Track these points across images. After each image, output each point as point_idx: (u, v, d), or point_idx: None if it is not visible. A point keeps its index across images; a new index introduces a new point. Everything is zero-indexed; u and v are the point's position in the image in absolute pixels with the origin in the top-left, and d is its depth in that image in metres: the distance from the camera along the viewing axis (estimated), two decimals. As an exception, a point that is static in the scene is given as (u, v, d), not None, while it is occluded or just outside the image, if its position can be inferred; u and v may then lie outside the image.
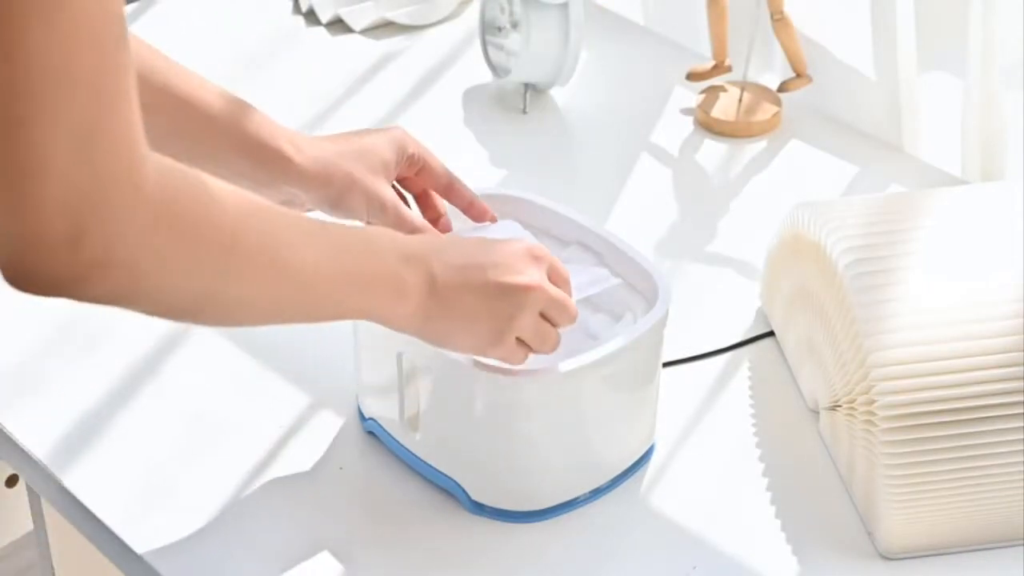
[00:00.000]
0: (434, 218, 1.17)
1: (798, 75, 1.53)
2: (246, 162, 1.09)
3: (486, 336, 1.02)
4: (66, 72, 0.73)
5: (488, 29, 1.58)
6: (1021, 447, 1.06)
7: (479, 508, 1.12)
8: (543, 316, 1.03)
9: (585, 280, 1.12)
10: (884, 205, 1.19)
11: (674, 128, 1.55)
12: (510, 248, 1.03)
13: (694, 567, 1.09)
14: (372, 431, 1.17)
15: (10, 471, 1.83)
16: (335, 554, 1.09)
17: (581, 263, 1.17)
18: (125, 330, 1.27)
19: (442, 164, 1.16)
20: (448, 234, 1.16)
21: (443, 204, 1.18)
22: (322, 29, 1.70)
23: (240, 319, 0.94)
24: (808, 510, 1.13)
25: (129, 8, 1.72)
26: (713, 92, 1.56)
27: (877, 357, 1.06)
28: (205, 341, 1.27)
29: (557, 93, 1.59)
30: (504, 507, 1.11)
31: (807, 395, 1.21)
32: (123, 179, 0.77)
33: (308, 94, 1.59)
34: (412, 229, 1.11)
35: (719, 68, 1.55)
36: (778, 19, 1.50)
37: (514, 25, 1.54)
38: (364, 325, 1.12)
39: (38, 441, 1.18)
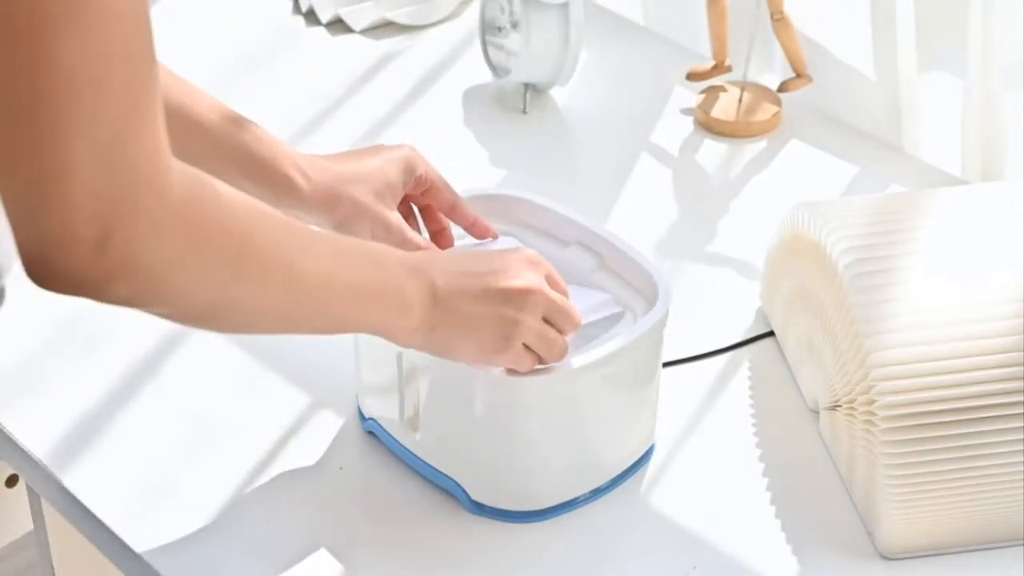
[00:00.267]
0: (437, 230, 1.19)
1: (798, 75, 1.53)
2: (250, 184, 1.09)
3: (491, 343, 1.02)
4: (97, 82, 0.75)
5: (488, 29, 1.58)
6: (1021, 447, 1.06)
7: (479, 508, 1.12)
8: (547, 322, 1.04)
9: (587, 306, 1.12)
10: (884, 205, 1.19)
11: (674, 128, 1.55)
12: (508, 255, 1.04)
13: (694, 567, 1.09)
14: (372, 431, 1.17)
15: (10, 471, 1.83)
16: (335, 554, 1.09)
17: (581, 262, 1.17)
18: (125, 330, 1.27)
19: (448, 185, 1.17)
20: (448, 249, 1.17)
21: (446, 219, 1.19)
22: (322, 29, 1.70)
23: (252, 327, 0.96)
24: (808, 510, 1.13)
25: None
26: (713, 92, 1.56)
27: (877, 357, 1.06)
28: (205, 341, 1.27)
29: (557, 93, 1.59)
30: (504, 507, 1.11)
31: (807, 395, 1.21)
32: (148, 186, 0.79)
33: (308, 94, 1.59)
34: (416, 250, 1.11)
35: (719, 68, 1.55)
36: (778, 19, 1.50)
37: (514, 25, 1.54)
38: (364, 325, 1.12)
39: (38, 441, 1.18)
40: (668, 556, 1.10)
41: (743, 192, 1.47)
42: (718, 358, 1.26)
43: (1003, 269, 1.10)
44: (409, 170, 1.15)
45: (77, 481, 1.15)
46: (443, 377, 1.08)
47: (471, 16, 1.71)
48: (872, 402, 1.06)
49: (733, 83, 1.56)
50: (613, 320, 1.14)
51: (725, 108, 1.54)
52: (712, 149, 1.52)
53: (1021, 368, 1.05)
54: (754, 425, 1.20)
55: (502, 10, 1.55)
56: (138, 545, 1.10)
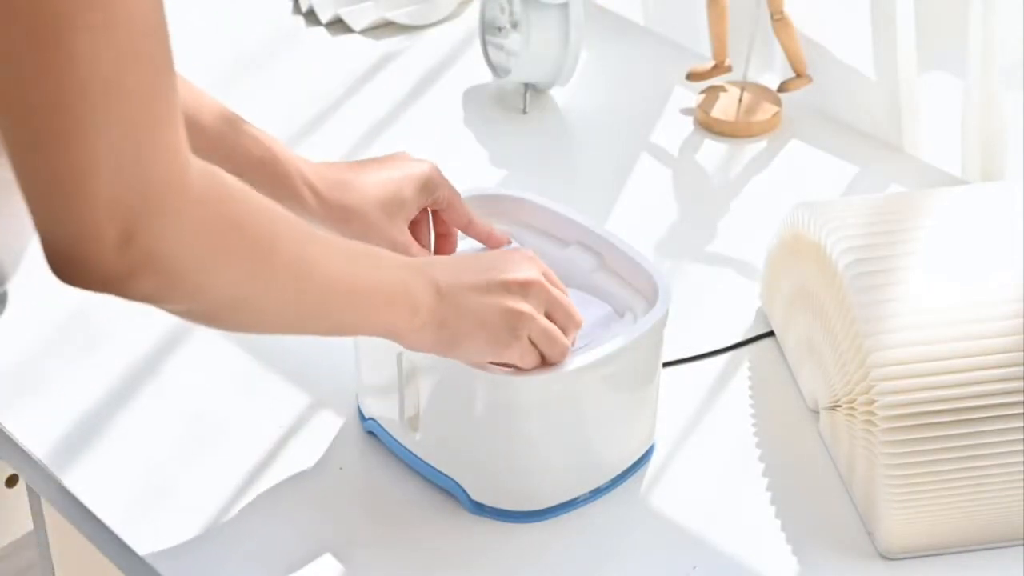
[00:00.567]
0: (444, 233, 1.19)
1: (798, 75, 1.53)
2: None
3: (497, 336, 1.02)
4: (119, 83, 0.77)
5: (488, 29, 1.58)
6: (1021, 447, 1.06)
7: (479, 508, 1.12)
8: (549, 318, 1.04)
9: (589, 321, 1.11)
10: (884, 205, 1.19)
11: (674, 128, 1.55)
12: (506, 253, 1.06)
13: (694, 567, 1.09)
14: (372, 431, 1.17)
15: (10, 471, 1.83)
16: (335, 554, 1.09)
17: (581, 262, 1.17)
18: (125, 330, 1.27)
19: (464, 204, 1.16)
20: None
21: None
22: (322, 29, 1.70)
23: (265, 325, 0.96)
24: (808, 510, 1.13)
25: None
26: (713, 92, 1.56)
27: (877, 357, 1.06)
28: (205, 341, 1.27)
29: (557, 93, 1.59)
30: (504, 507, 1.11)
31: (807, 395, 1.21)
32: (171, 183, 0.80)
33: (308, 94, 1.59)
34: None
35: (719, 68, 1.55)
36: (778, 19, 1.50)
37: (514, 25, 1.54)
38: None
39: (38, 441, 1.18)
40: (668, 556, 1.10)
41: (743, 192, 1.47)
42: (718, 358, 1.26)
43: (1003, 269, 1.10)
44: (427, 191, 1.14)
45: (77, 481, 1.15)
46: (443, 377, 1.08)
47: (471, 16, 1.71)
48: (872, 402, 1.06)
49: (733, 83, 1.56)
50: (612, 292, 1.14)
51: (725, 108, 1.54)
52: (712, 149, 1.52)
53: (1021, 368, 1.05)
54: (754, 425, 1.20)
55: (502, 10, 1.55)
56: (138, 545, 1.10)
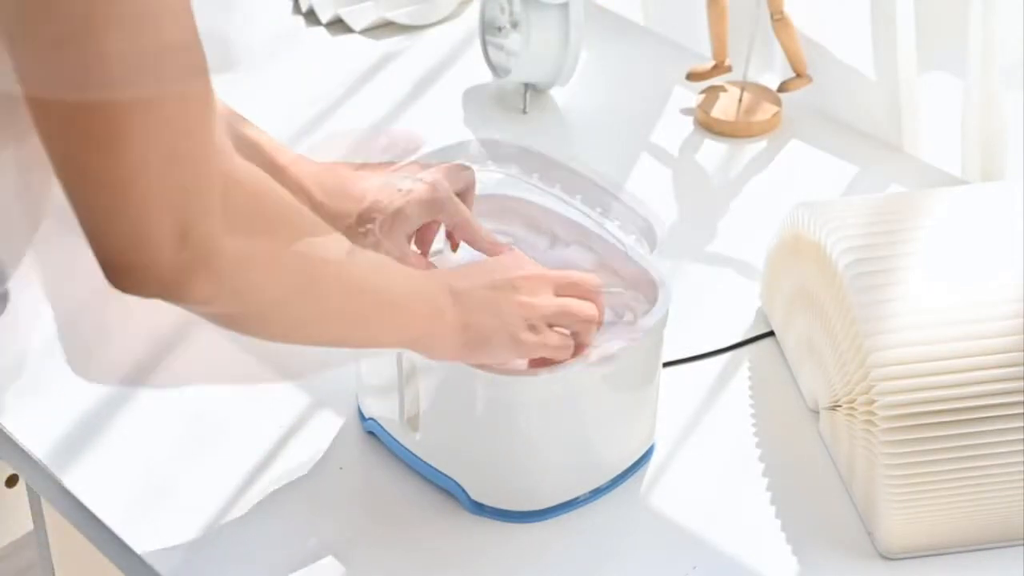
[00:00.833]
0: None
1: (798, 75, 1.53)
2: None
3: (516, 329, 1.03)
4: (158, 79, 0.77)
5: (488, 29, 1.58)
6: (1021, 447, 1.06)
7: (479, 508, 1.12)
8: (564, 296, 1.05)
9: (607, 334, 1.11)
10: (884, 205, 1.19)
11: (674, 128, 1.55)
12: (504, 256, 1.08)
13: (694, 567, 1.09)
14: (372, 431, 1.17)
15: (10, 471, 1.83)
16: (335, 554, 1.09)
17: (581, 262, 1.17)
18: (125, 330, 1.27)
19: (471, 222, 1.14)
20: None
21: None
22: (322, 29, 1.70)
23: (306, 335, 0.97)
24: (808, 510, 1.13)
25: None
26: (713, 92, 1.56)
27: (877, 357, 1.06)
28: (205, 341, 1.26)
29: (557, 93, 1.59)
30: (504, 507, 1.11)
31: (807, 395, 1.21)
32: (218, 179, 0.81)
33: (308, 94, 1.59)
34: None
35: (719, 68, 1.55)
36: (778, 19, 1.50)
37: (514, 25, 1.54)
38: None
39: (38, 441, 1.18)
40: (668, 556, 1.10)
41: (743, 192, 1.47)
42: (718, 358, 1.26)
43: (1003, 269, 1.10)
44: (431, 212, 1.12)
45: (77, 481, 1.15)
46: (443, 377, 1.08)
47: (471, 16, 1.71)
48: (872, 402, 1.06)
49: (733, 83, 1.56)
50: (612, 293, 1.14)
51: (725, 108, 1.54)
52: (712, 149, 1.52)
53: (1021, 368, 1.05)
54: (754, 425, 1.20)
55: (502, 10, 1.55)
56: (138, 545, 1.10)
